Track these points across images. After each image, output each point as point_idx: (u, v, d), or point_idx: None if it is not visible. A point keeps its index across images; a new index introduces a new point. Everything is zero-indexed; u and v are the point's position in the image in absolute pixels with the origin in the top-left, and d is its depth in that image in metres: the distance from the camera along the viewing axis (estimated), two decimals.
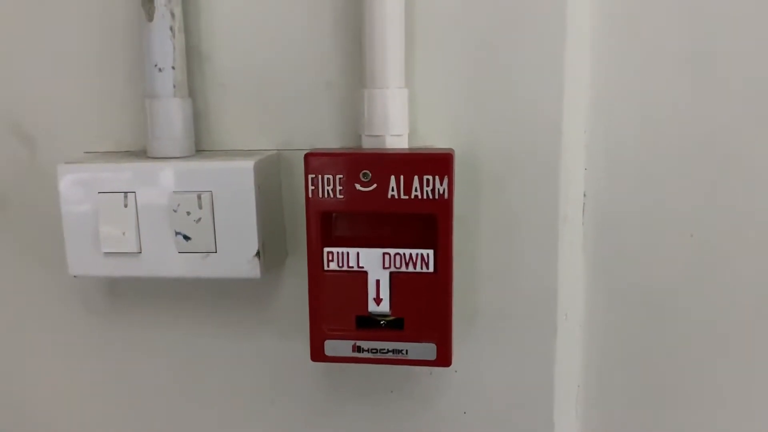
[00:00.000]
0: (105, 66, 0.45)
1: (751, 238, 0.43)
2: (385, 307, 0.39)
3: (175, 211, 0.41)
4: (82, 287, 0.47)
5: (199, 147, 0.44)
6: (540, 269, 0.43)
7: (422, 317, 0.39)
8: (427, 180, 0.37)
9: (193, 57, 0.43)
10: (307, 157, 0.38)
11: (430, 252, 0.38)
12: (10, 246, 0.48)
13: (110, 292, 0.47)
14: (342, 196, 0.38)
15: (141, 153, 0.45)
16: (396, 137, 0.40)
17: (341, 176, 0.38)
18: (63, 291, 0.48)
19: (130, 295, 0.47)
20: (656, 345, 0.45)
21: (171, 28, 0.41)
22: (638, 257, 0.44)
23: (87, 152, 0.46)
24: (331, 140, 0.43)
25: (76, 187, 0.41)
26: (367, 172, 0.37)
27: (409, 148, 0.41)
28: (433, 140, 0.42)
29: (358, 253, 0.39)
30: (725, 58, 0.41)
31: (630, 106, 0.42)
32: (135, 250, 0.41)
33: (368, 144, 0.40)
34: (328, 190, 0.38)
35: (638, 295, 0.45)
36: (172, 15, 0.41)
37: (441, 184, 0.37)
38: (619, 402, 0.46)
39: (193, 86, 0.44)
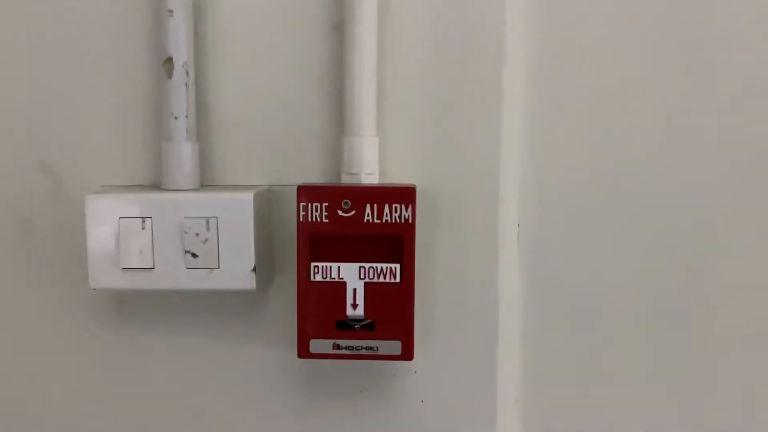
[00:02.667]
0: (122, 112, 0.52)
1: (657, 259, 0.54)
2: (360, 311, 0.48)
3: (186, 233, 0.49)
4: (95, 302, 0.54)
5: (203, 182, 0.53)
6: (483, 285, 0.53)
7: (390, 319, 0.48)
8: (395, 207, 0.47)
9: (200, 107, 0.52)
10: (299, 188, 0.47)
11: (397, 266, 0.48)
12: (33, 266, 0.54)
13: (120, 307, 0.54)
14: (327, 220, 0.47)
15: (152, 186, 0.53)
16: (369, 175, 0.50)
17: (327, 204, 0.47)
18: (79, 305, 0.54)
19: (137, 308, 0.54)
20: (581, 349, 0.55)
21: (186, 84, 0.50)
22: (564, 276, 0.54)
23: (104, 185, 0.54)
24: (314, 178, 0.52)
25: (101, 212, 0.49)
26: (348, 201, 0.47)
27: (380, 184, 0.50)
28: (399, 179, 0.52)
29: (339, 267, 0.48)
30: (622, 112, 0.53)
31: (555, 151, 0.53)
32: (149, 265, 0.49)
33: (347, 180, 0.50)
34: (316, 216, 0.47)
35: (565, 307, 0.54)
36: (187, 74, 0.50)
37: (406, 211, 0.47)
38: (551, 395, 0.55)
39: (200, 131, 0.52)
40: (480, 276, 0.53)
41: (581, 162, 0.53)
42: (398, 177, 0.52)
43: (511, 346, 0.54)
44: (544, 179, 0.53)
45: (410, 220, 0.47)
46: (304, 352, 0.48)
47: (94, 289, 0.50)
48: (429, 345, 0.53)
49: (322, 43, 0.51)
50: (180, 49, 0.49)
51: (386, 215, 0.47)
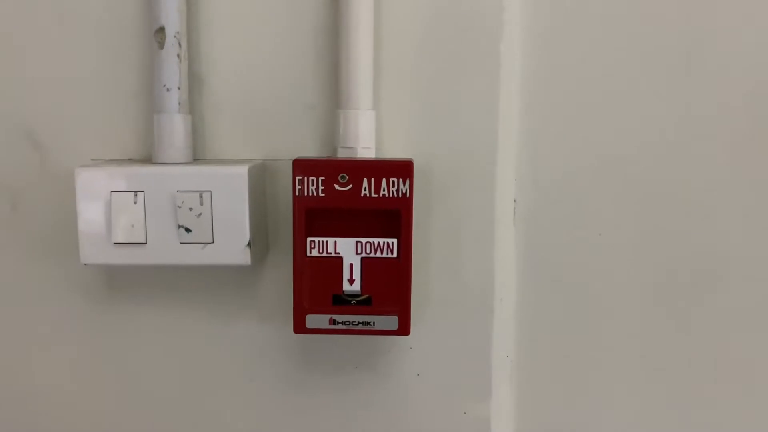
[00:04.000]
0: (113, 84, 0.51)
1: (647, 238, 0.54)
2: (356, 286, 0.48)
3: (179, 207, 0.48)
4: (85, 277, 0.53)
5: (196, 156, 0.52)
6: (479, 261, 0.53)
7: (387, 294, 0.47)
8: (393, 182, 0.46)
9: (193, 80, 0.51)
10: (295, 162, 0.46)
11: (395, 240, 0.47)
12: (21, 241, 0.53)
13: (111, 283, 0.54)
14: (323, 195, 0.46)
15: (143, 160, 0.52)
16: (366, 149, 0.49)
17: (323, 178, 0.46)
18: (68, 281, 0.54)
19: (128, 284, 0.54)
20: (575, 324, 0.55)
21: (178, 55, 0.49)
22: (559, 252, 0.54)
23: (94, 159, 0.52)
24: (308, 152, 0.52)
25: (91, 186, 0.48)
26: (345, 175, 0.46)
27: (377, 158, 0.50)
28: (395, 153, 0.52)
29: (335, 242, 0.47)
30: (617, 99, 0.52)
31: (553, 126, 0.52)
32: (142, 240, 0.49)
33: (343, 154, 0.49)
34: (312, 190, 0.46)
35: (559, 283, 0.54)
36: (179, 44, 0.49)
37: (404, 185, 0.46)
38: (545, 369, 0.55)
39: (192, 104, 0.51)
40: (476, 252, 0.53)
41: (578, 138, 0.53)
42: (394, 151, 0.51)
43: (506, 322, 0.55)
44: (541, 155, 0.53)
45: (408, 195, 0.46)
46: (300, 327, 0.48)
47: (85, 264, 0.49)
48: (425, 320, 0.53)
49: (317, 14, 0.50)
50: (172, 19, 0.48)
51: (383, 189, 0.46)
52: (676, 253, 0.54)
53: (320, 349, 0.54)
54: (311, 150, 0.52)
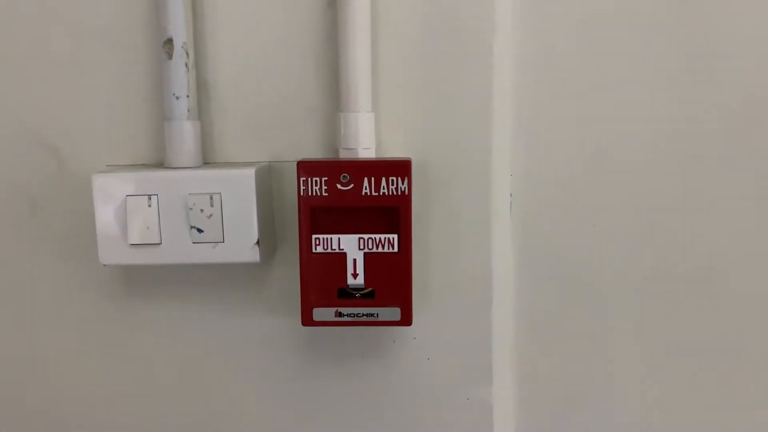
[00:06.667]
0: (126, 93, 0.54)
1: (642, 230, 0.56)
2: (360, 280, 0.50)
3: (191, 209, 0.51)
4: (103, 277, 0.56)
5: (205, 159, 0.54)
6: (478, 253, 0.55)
7: (389, 287, 0.50)
8: (392, 180, 0.49)
9: (201, 87, 0.54)
10: (299, 164, 0.49)
11: (395, 236, 0.50)
12: (41, 245, 0.56)
13: (128, 282, 0.56)
14: (326, 194, 0.49)
15: (156, 165, 0.55)
16: (366, 150, 0.52)
17: (326, 178, 0.49)
18: (87, 281, 0.56)
19: (144, 283, 0.56)
20: (571, 311, 0.57)
21: (186, 65, 0.52)
22: (555, 243, 0.56)
23: (109, 165, 0.55)
24: (312, 154, 0.54)
25: (108, 191, 0.51)
26: (347, 174, 0.49)
27: (376, 158, 0.52)
28: (394, 152, 0.54)
29: (339, 238, 0.50)
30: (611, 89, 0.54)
31: (547, 121, 0.54)
32: (156, 241, 0.51)
33: (344, 155, 0.52)
34: (315, 190, 0.49)
35: (555, 272, 0.57)
36: (187, 54, 0.52)
37: (402, 183, 0.49)
38: (544, 355, 0.58)
39: (200, 110, 0.54)
40: (474, 244, 0.55)
41: (572, 132, 0.55)
42: (393, 150, 0.54)
43: (505, 310, 0.57)
44: (536, 150, 0.55)
45: (406, 192, 0.49)
46: (307, 320, 0.50)
47: (104, 265, 0.52)
48: (427, 310, 0.55)
49: (316, 19, 0.52)
50: (179, 30, 0.51)
51: (383, 188, 0.49)
52: (677, 242, 0.56)
53: (327, 340, 0.57)
54: (314, 151, 0.54)
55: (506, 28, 0.53)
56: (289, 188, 0.54)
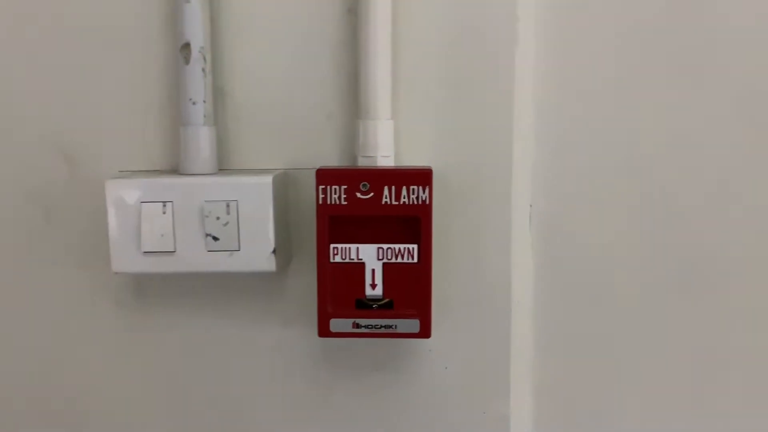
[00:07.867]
0: (140, 98, 0.53)
1: (663, 241, 0.55)
2: (378, 291, 0.49)
3: (206, 216, 0.50)
4: (116, 285, 0.55)
5: (221, 166, 0.53)
6: (497, 264, 0.54)
7: (408, 298, 0.49)
8: (413, 189, 0.48)
9: (217, 93, 0.53)
10: (318, 171, 0.48)
11: (415, 246, 0.49)
12: (55, 251, 0.55)
13: (141, 290, 0.55)
14: (345, 203, 0.48)
15: (170, 171, 0.54)
16: (385, 158, 0.51)
17: (345, 187, 0.48)
18: (100, 288, 0.55)
19: (157, 291, 0.55)
20: (591, 325, 0.56)
21: (203, 70, 0.51)
22: (575, 255, 0.55)
23: (122, 171, 0.54)
24: (329, 161, 0.53)
25: (121, 197, 0.50)
26: (366, 183, 0.48)
27: (397, 166, 0.51)
28: (413, 161, 0.53)
29: (357, 248, 0.49)
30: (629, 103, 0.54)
31: (567, 132, 0.54)
32: (171, 249, 0.50)
33: (363, 163, 0.51)
34: (334, 198, 0.48)
35: (576, 285, 0.56)
36: (204, 59, 0.51)
37: (423, 193, 0.48)
38: (562, 368, 0.57)
39: (217, 116, 0.53)
40: (493, 256, 0.54)
41: (593, 143, 0.54)
42: (412, 159, 0.53)
43: (524, 323, 0.56)
44: (556, 160, 0.54)
45: (427, 202, 0.48)
46: (324, 331, 0.49)
47: (116, 273, 0.51)
48: (445, 323, 0.54)
49: (336, 26, 0.52)
50: (197, 35, 0.50)
51: (404, 197, 0.48)
52: (698, 254, 0.55)
53: (343, 352, 0.56)
54: (332, 159, 0.53)
55: (528, 38, 0.52)
56: (306, 196, 0.53)
